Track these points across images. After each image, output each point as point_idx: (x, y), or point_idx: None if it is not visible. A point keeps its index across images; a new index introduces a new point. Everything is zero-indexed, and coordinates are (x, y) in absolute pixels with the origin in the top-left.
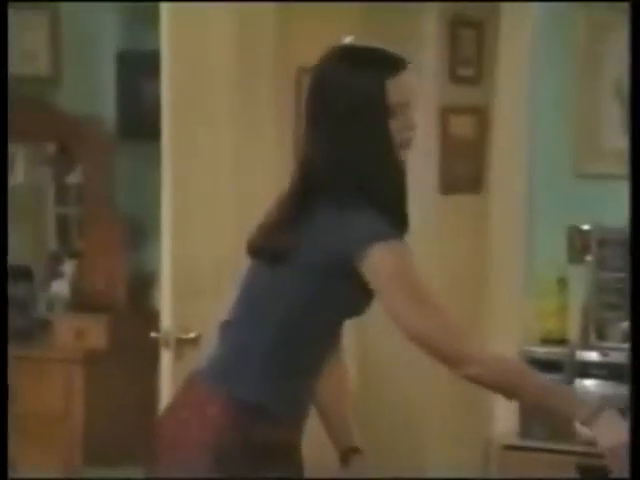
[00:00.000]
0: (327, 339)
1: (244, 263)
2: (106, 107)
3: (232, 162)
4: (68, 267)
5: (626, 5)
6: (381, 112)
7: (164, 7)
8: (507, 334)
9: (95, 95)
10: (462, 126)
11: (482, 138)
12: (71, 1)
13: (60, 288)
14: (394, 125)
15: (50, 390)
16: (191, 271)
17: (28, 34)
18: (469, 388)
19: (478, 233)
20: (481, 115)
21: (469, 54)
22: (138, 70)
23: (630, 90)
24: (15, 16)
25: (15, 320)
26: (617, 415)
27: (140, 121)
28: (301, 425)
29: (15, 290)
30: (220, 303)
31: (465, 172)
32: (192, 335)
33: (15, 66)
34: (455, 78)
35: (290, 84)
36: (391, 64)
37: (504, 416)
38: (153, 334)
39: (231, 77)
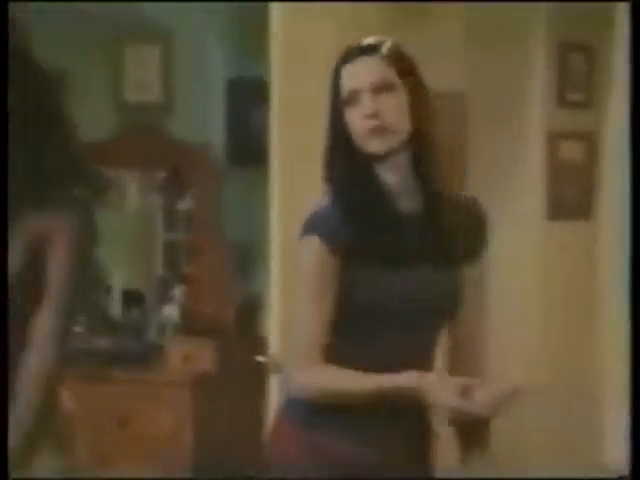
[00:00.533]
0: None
1: None
2: (215, 134)
3: None
4: (177, 292)
5: None
6: (338, 99)
7: (273, 36)
8: (617, 362)
9: (205, 122)
10: (571, 151)
11: (591, 163)
12: (182, 1)
13: (170, 313)
14: (355, 113)
15: (160, 413)
16: None
17: (142, 65)
18: (578, 408)
19: (586, 259)
20: (590, 140)
21: (579, 78)
22: (246, 97)
23: (630, 90)
24: (129, 48)
25: (128, 344)
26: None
27: (248, 147)
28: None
29: (128, 314)
30: None
31: (574, 198)
32: None
33: (129, 95)
34: (564, 103)
35: None
36: (347, 52)
37: (616, 441)
38: (260, 359)
39: None
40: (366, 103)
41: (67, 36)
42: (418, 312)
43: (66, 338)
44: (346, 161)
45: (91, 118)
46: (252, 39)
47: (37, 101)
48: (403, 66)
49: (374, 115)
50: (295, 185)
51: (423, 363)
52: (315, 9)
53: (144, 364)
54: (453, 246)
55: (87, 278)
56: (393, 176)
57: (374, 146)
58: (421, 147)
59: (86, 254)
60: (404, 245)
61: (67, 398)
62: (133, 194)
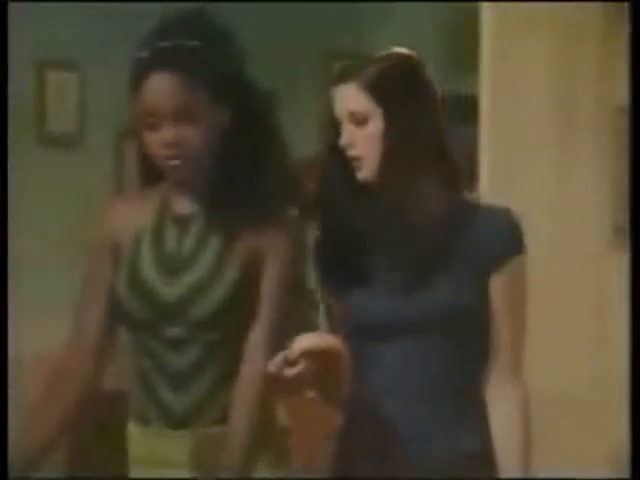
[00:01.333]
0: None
1: None
2: None
3: (550, 207)
4: None
5: None
6: (331, 124)
7: (484, 53)
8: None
9: None
10: None
11: None
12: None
13: None
14: (342, 140)
15: None
16: None
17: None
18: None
19: None
20: None
21: None
22: (453, 114)
23: (630, 91)
24: (335, 66)
25: None
26: None
27: None
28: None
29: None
30: None
31: None
32: None
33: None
34: None
35: (609, 125)
36: (339, 72)
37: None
38: None
39: (550, 120)
40: (346, 130)
41: (275, 55)
42: (416, 328)
43: (278, 353)
44: (338, 187)
45: (296, 137)
46: (461, 56)
47: (254, 122)
48: (387, 93)
49: (350, 145)
50: (505, 199)
51: (452, 375)
52: (526, 26)
53: None
54: (444, 259)
55: (298, 295)
56: (386, 202)
57: (359, 174)
58: (399, 175)
59: (298, 271)
60: (395, 264)
61: (282, 413)
62: None
